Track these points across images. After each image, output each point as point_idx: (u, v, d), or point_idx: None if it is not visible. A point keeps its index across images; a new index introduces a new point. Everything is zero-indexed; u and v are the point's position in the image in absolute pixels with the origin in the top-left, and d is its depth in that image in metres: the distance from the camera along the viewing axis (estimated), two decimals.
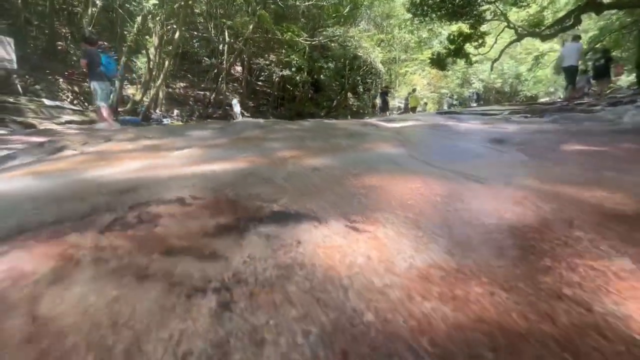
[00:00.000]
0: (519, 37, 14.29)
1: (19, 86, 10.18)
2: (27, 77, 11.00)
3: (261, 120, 3.53)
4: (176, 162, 1.45)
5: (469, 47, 15.68)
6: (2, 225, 0.77)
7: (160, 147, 1.93)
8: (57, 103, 10.90)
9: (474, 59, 16.57)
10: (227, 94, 17.39)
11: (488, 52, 15.58)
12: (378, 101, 19.26)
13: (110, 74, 6.13)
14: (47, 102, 10.16)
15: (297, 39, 17.38)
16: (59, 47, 13.30)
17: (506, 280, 0.57)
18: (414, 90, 19.93)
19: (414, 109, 16.86)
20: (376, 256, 0.64)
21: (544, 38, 13.47)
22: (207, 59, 18.24)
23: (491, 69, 17.81)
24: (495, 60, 16.17)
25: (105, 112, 5.91)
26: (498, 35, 15.55)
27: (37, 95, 10.57)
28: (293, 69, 18.71)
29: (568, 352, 0.45)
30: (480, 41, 15.58)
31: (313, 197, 0.90)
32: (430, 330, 0.47)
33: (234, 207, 0.83)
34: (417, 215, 0.80)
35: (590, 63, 12.91)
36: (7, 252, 0.64)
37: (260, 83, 20.94)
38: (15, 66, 9.65)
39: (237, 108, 14.19)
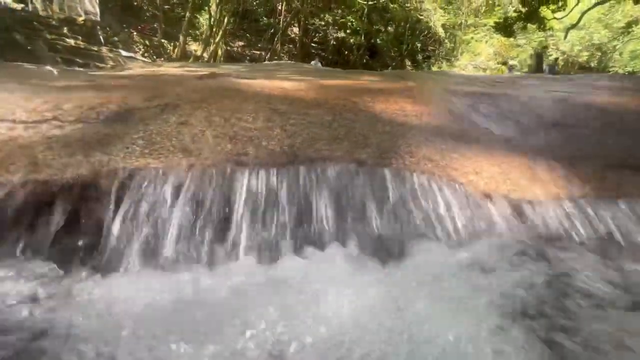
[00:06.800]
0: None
1: (101, 37, 11.55)
2: (107, 29, 12.37)
3: (291, 62, 3.95)
4: (200, 72, 1.92)
5: (544, 10, 14.03)
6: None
7: (197, 70, 2.43)
8: (132, 54, 12.25)
9: (553, 25, 14.77)
10: (282, 54, 17.80)
11: (566, 15, 13.84)
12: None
13: None
14: (123, 52, 11.47)
15: None
16: (134, 3, 14.57)
17: None
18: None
19: None
20: (273, 85, 1.07)
21: (637, 0, 11.60)
22: (265, 18, 18.62)
23: (565, 37, 15.80)
24: (573, 26, 14.33)
25: None
26: None
27: (115, 47, 11.93)
28: (348, 31, 18.31)
29: None
30: (560, 3, 13.83)
31: (269, 77, 1.33)
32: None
33: (214, 76, 1.28)
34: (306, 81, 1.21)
35: None
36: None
37: (314, 45, 20.92)
38: (99, 19, 10.97)
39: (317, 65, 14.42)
